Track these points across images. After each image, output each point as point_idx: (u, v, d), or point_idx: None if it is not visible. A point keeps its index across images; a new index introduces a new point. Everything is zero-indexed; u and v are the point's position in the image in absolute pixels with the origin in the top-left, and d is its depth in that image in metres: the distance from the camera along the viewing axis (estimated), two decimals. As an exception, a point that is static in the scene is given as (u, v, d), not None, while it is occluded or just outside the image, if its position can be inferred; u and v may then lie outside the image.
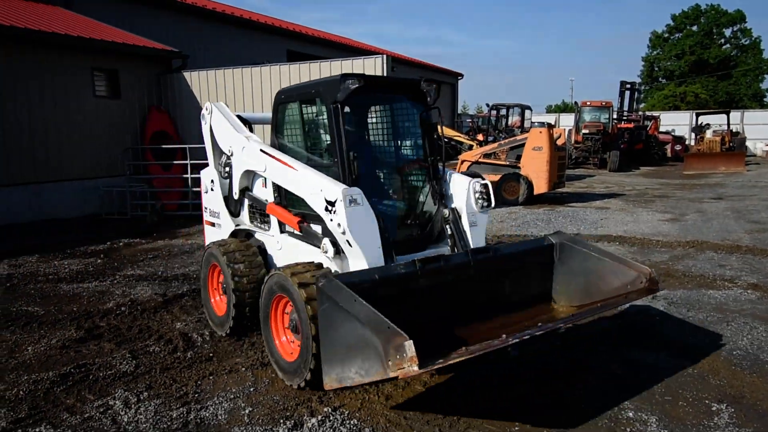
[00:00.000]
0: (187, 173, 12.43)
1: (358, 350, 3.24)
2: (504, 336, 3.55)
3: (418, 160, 5.01)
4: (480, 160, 14.89)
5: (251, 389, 4.12)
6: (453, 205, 4.85)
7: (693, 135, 29.85)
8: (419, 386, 4.21)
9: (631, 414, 3.76)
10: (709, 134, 27.24)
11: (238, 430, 3.59)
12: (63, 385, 4.17)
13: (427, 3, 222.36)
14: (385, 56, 10.95)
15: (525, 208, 13.28)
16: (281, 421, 3.68)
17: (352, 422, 3.68)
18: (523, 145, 14.20)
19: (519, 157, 14.20)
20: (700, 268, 7.48)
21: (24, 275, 7.30)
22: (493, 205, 4.88)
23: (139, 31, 14.62)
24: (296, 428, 3.60)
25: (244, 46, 20.06)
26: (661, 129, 30.66)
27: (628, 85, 26.32)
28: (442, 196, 4.89)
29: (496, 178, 14.20)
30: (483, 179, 4.96)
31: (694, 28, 54.02)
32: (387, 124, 5.08)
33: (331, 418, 3.72)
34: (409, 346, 2.96)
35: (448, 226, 4.78)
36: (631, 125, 25.90)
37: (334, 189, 4.10)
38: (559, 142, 14.93)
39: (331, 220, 4.12)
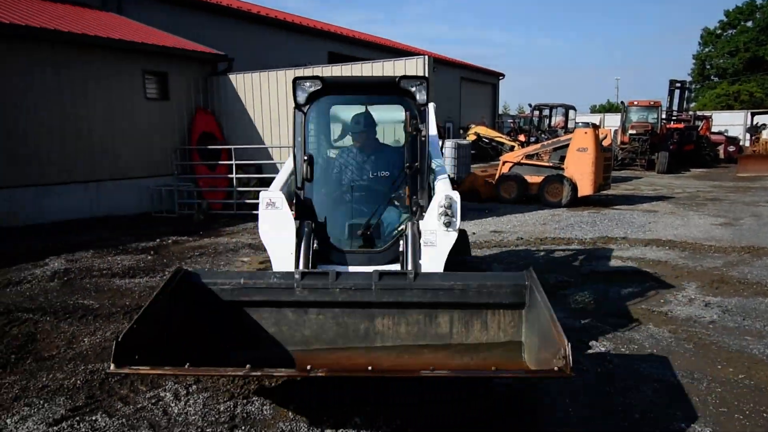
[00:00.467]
0: (231, 173, 12.73)
1: None
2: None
3: (400, 165, 4.47)
4: (522, 161, 14.69)
5: (295, 387, 4.19)
6: (419, 220, 4.27)
7: (747, 135, 28.63)
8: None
9: (683, 425, 3.64)
10: (765, 135, 26.07)
11: (283, 425, 3.65)
12: (117, 376, 4.33)
13: (470, 3, 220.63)
14: (426, 57, 10.92)
15: (568, 211, 13.01)
16: (325, 418, 3.72)
17: (396, 421, 3.69)
18: (567, 145, 13.93)
19: (563, 159, 13.94)
20: (756, 275, 7.16)
21: (80, 270, 7.61)
22: (457, 224, 4.13)
23: (184, 34, 15.07)
24: (339, 426, 3.64)
25: (285, 49, 20.39)
26: (713, 129, 29.51)
27: (678, 84, 25.46)
28: (422, 208, 4.36)
29: (539, 179, 13.98)
30: (453, 192, 4.20)
31: (749, 24, 51.79)
32: (365, 128, 4.75)
33: (375, 420, 3.74)
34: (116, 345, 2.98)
35: (401, 242, 4.24)
36: (681, 125, 25.03)
37: (265, 191, 4.22)
38: (605, 143, 14.55)
39: None
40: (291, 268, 4.04)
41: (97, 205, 11.83)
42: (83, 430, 3.60)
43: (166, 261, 8.22)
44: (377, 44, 26.28)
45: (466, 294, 3.80)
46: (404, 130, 4.41)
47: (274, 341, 3.88)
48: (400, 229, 4.45)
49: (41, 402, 3.95)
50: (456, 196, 4.18)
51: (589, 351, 4.85)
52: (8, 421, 3.70)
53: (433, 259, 4.13)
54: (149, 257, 8.44)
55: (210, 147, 13.21)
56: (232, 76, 13.67)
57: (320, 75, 4.52)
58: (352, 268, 4.25)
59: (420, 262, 4.10)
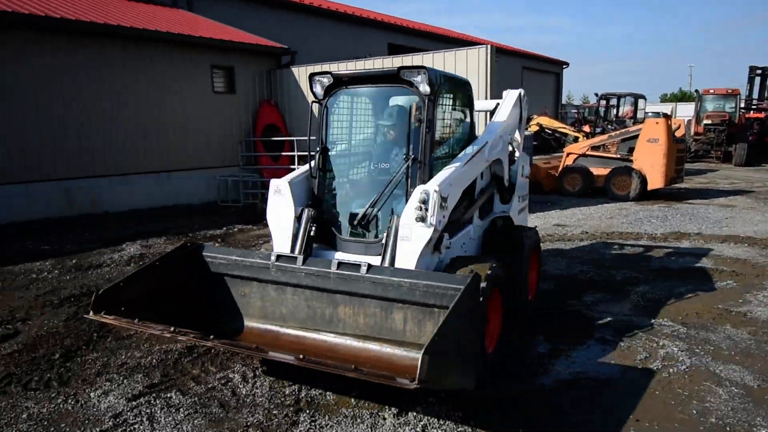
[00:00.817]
0: (294, 164, 13.00)
1: None
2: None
3: (404, 157, 4.44)
4: (587, 152, 14.20)
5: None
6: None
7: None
8: (525, 383, 4.12)
9: None
10: None
11: (346, 411, 3.72)
12: (190, 357, 4.54)
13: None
14: (488, 47, 10.71)
15: (637, 204, 12.48)
16: (387, 407, 3.76)
17: (457, 414, 3.68)
18: (636, 136, 13.35)
19: (631, 150, 13.37)
20: None
21: (154, 255, 8.01)
22: (429, 221, 3.96)
23: (249, 28, 15.48)
24: (401, 415, 3.67)
25: (345, 40, 20.56)
26: (799, 119, 27.36)
27: (759, 71, 23.76)
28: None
29: (605, 171, 13.48)
30: (433, 186, 4.05)
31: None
32: (372, 119, 4.92)
33: (435, 408, 3.75)
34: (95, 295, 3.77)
35: (385, 234, 4.22)
36: (762, 115, 23.39)
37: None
38: (678, 134, 13.83)
39: None
40: (288, 250, 4.41)
41: (168, 194, 12.40)
42: (159, 405, 3.80)
43: (232, 248, 8.51)
44: (437, 35, 26.03)
45: (414, 293, 3.74)
46: (411, 120, 4.46)
47: (258, 314, 4.39)
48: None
49: (121, 378, 4.20)
50: (433, 189, 4.02)
51: (661, 351, 4.65)
52: (92, 394, 3.96)
53: (407, 254, 4.04)
54: (217, 244, 8.78)
55: (274, 138, 13.54)
56: (294, 69, 13.92)
57: (333, 70, 4.61)
58: (347, 256, 4.33)
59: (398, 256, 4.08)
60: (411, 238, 4.02)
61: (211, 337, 3.53)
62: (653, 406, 3.79)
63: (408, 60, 11.80)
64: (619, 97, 22.18)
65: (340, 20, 20.74)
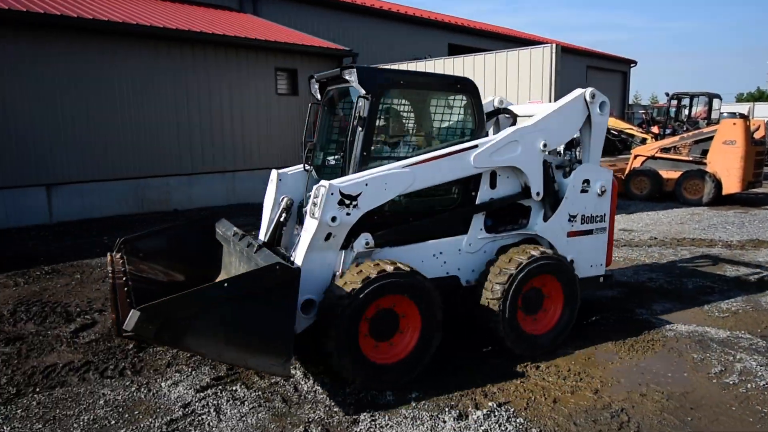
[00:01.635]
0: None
1: None
2: None
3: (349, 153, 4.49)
4: (657, 155, 13.60)
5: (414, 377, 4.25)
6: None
7: None
8: (589, 392, 4.00)
9: None
10: None
11: (405, 412, 3.73)
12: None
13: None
14: (553, 46, 10.44)
15: (710, 209, 11.84)
16: (446, 409, 3.74)
17: (518, 420, 3.62)
18: (710, 138, 12.67)
19: (705, 152, 12.70)
20: None
21: (218, 252, 8.31)
22: (315, 214, 3.96)
23: (311, 31, 15.79)
24: (461, 419, 3.64)
25: (405, 41, 20.60)
26: None
27: None
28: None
29: (676, 174, 12.88)
30: (329, 183, 4.01)
31: None
32: (337, 118, 5.17)
33: (496, 413, 3.70)
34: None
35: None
36: None
37: None
38: (757, 135, 12.98)
39: None
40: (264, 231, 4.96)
41: (233, 193, 12.85)
42: (225, 398, 3.94)
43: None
44: (499, 34, 25.65)
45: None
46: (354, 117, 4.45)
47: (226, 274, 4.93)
48: None
49: (189, 369, 4.38)
50: (329, 185, 4.00)
51: (738, 364, 4.39)
52: (162, 384, 4.15)
53: (301, 244, 4.15)
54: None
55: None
56: (355, 71, 14.06)
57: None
58: None
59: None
60: (308, 230, 4.12)
61: None
62: (729, 423, 3.59)
63: (470, 60, 11.71)
64: (691, 96, 21.07)
65: (400, 21, 20.81)
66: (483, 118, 4.84)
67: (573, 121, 5.00)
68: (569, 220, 5.00)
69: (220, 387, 4.09)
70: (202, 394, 3.99)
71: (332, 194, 4.01)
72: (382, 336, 4.09)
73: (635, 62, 34.07)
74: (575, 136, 5.16)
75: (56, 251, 8.22)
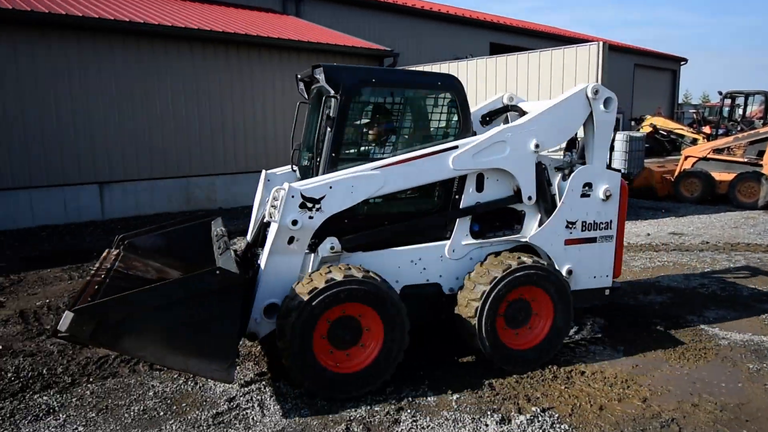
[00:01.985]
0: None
1: None
2: None
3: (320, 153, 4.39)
4: (709, 156, 13.09)
5: (455, 379, 4.22)
6: None
7: None
8: (637, 401, 3.88)
9: None
10: None
11: (447, 414, 3.70)
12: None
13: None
14: (600, 44, 10.15)
15: (766, 213, 11.31)
16: (489, 413, 3.70)
17: (562, 426, 3.55)
18: (767, 139, 12.10)
19: (761, 153, 12.15)
20: None
21: (261, 250, 8.46)
22: (275, 218, 3.90)
23: (353, 32, 15.88)
24: (504, 423, 3.59)
25: (447, 41, 20.48)
26: None
27: None
28: None
29: (730, 177, 12.37)
30: (291, 184, 3.95)
31: None
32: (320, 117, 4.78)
33: (539, 418, 3.63)
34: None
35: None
36: None
37: None
38: (818, 136, 12.35)
39: None
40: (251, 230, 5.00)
41: (275, 192, 13.03)
42: (269, 393, 4.00)
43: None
44: (542, 32, 25.20)
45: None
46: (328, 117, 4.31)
47: None
48: None
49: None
50: (289, 187, 3.91)
51: (798, 377, 4.18)
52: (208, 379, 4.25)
53: (264, 251, 4.09)
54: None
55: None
56: (396, 71, 14.08)
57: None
58: None
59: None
60: (270, 233, 4.05)
61: None
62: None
63: (512, 59, 11.54)
64: (746, 95, 20.19)
65: (441, 21, 20.71)
66: (468, 117, 4.56)
67: (572, 120, 4.58)
68: (567, 226, 4.60)
69: (264, 383, 4.16)
70: (246, 389, 4.07)
71: (292, 197, 3.91)
72: (340, 344, 3.91)
73: (685, 60, 32.91)
74: (579, 136, 4.79)
75: (106, 246, 8.52)
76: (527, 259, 4.28)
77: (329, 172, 4.17)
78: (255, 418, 3.68)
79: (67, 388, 4.12)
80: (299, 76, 5.01)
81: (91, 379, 4.26)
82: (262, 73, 12.70)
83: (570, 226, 4.62)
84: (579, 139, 4.83)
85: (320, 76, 4.28)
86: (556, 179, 4.68)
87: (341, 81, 4.23)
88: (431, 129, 4.67)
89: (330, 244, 4.13)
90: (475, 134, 4.56)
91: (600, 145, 4.65)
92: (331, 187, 4.03)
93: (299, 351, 3.73)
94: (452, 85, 4.54)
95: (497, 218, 4.71)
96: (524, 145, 4.43)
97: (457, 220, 4.48)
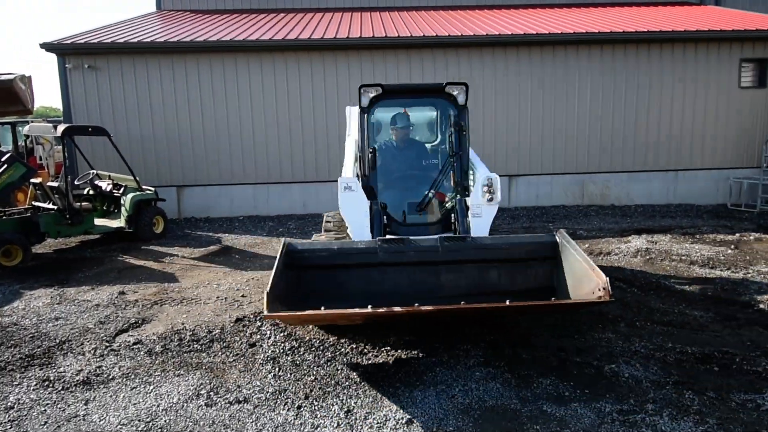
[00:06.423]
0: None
1: None
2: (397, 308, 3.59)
3: (446, 155, 5.14)
4: None
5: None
6: (465, 197, 4.98)
7: None
8: None
9: None
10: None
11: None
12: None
13: None
14: None
15: None
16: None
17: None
18: None
19: None
20: None
21: (659, 252, 7.72)
22: (498, 198, 4.77)
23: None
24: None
25: None
26: None
27: None
28: (466, 189, 5.02)
29: None
30: (493, 174, 4.85)
31: None
32: (414, 125, 5.33)
33: None
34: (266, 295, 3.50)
35: (452, 215, 4.95)
36: None
37: (341, 176, 4.82)
38: None
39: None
40: (366, 236, 4.67)
41: (674, 192, 11.67)
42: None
43: (748, 258, 7.30)
44: None
45: (510, 251, 4.52)
46: (448, 127, 5.09)
47: (362, 296, 4.18)
48: (447, 205, 5.13)
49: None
50: (496, 176, 4.81)
51: None
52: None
53: (480, 227, 4.73)
54: (729, 251, 7.70)
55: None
56: None
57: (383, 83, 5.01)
58: (413, 238, 4.61)
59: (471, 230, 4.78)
60: (482, 215, 4.75)
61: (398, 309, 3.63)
62: None
63: None
64: None
65: None
66: None
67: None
68: None
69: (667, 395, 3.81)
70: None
71: (500, 181, 4.99)
72: None
73: None
74: None
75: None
76: None
77: (461, 167, 5.07)
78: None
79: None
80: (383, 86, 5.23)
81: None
82: (666, 69, 11.43)
83: None
84: None
85: (460, 90, 4.99)
86: None
87: (467, 97, 5.03)
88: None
89: None
90: None
91: None
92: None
93: None
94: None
95: None
96: None
97: None
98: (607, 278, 3.69)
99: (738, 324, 4.96)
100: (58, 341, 4.87)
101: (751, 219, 10.08)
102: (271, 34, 11.12)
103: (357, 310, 3.58)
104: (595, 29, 11.28)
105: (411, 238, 4.55)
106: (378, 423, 3.45)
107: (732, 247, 7.91)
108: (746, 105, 11.51)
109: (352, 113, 5.97)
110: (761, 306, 5.41)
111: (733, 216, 10.43)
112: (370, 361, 4.26)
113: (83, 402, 3.82)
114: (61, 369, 4.32)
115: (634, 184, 11.58)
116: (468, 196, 5.01)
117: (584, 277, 4.03)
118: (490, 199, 4.74)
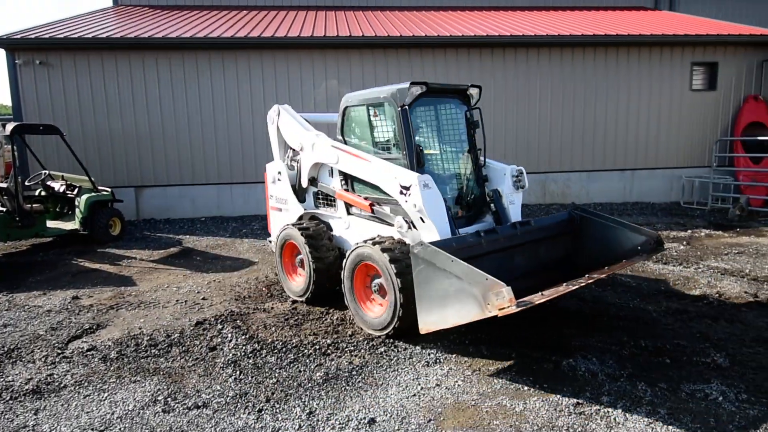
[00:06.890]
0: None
1: (455, 299, 3.78)
2: (564, 285, 3.97)
3: (468, 151, 5.40)
4: None
5: None
6: (494, 187, 5.36)
7: None
8: None
9: None
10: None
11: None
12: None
13: None
14: None
15: None
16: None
17: None
18: None
19: None
20: None
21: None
22: (526, 186, 5.38)
23: (735, 19, 13.13)
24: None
25: None
26: None
27: None
28: (485, 180, 5.42)
29: None
30: (517, 166, 5.42)
31: None
32: (442, 122, 5.30)
33: None
34: (508, 291, 3.50)
35: (492, 204, 5.28)
36: None
37: (409, 176, 4.65)
38: None
39: (407, 201, 4.68)
40: (449, 232, 4.66)
41: (631, 191, 12.07)
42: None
43: (699, 253, 7.61)
44: None
45: (551, 229, 5.26)
46: (466, 124, 5.36)
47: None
48: (478, 196, 5.40)
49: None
50: (522, 168, 5.45)
51: None
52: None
53: (516, 211, 5.31)
54: (681, 247, 8.01)
55: (760, 138, 11.26)
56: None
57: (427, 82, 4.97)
58: (462, 229, 4.95)
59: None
60: (515, 202, 5.33)
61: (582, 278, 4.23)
62: None
63: None
64: None
65: None
66: None
67: None
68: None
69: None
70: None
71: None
72: None
73: None
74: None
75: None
76: None
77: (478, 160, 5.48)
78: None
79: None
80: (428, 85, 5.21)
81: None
82: (625, 72, 11.82)
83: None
84: None
85: (475, 92, 5.40)
86: None
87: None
88: None
89: None
90: None
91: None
92: None
93: None
94: None
95: None
96: None
97: None
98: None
99: (689, 317, 5.15)
100: (6, 349, 4.66)
101: (703, 216, 10.51)
102: (233, 32, 10.93)
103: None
104: (554, 32, 11.54)
105: (495, 227, 4.90)
106: (340, 423, 3.43)
107: (684, 243, 8.24)
108: (697, 107, 12.00)
109: (290, 114, 6.18)
110: (710, 299, 5.65)
111: (686, 213, 10.85)
112: (333, 362, 4.25)
113: (33, 412, 3.66)
114: (9, 378, 4.14)
115: (593, 183, 11.91)
116: (487, 187, 5.45)
117: (623, 238, 5.06)
118: (520, 187, 5.34)
